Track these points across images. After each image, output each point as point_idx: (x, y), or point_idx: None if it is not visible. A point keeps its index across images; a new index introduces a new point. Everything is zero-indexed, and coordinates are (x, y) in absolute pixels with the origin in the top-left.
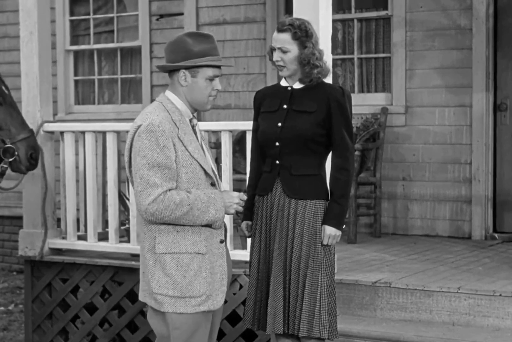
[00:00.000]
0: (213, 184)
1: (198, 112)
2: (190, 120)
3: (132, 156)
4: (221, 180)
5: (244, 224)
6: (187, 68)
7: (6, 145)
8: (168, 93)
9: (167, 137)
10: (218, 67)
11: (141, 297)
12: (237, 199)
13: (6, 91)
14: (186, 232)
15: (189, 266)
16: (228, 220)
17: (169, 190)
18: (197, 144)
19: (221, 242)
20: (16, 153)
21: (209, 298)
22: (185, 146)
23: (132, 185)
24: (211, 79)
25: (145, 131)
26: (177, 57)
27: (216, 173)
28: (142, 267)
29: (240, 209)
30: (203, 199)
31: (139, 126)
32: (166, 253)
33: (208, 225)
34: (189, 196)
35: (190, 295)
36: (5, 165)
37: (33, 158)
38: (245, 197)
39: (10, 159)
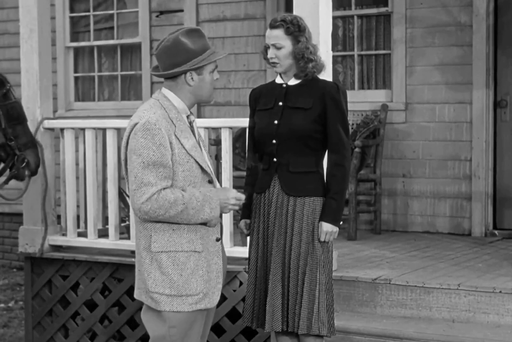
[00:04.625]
0: (210, 181)
1: (198, 109)
2: (187, 117)
3: (127, 155)
4: (220, 177)
5: (242, 223)
6: (193, 69)
7: (20, 153)
8: (165, 91)
9: (164, 136)
10: None
11: (137, 295)
12: (233, 200)
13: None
14: (182, 230)
15: (185, 264)
16: (228, 217)
17: (164, 188)
18: (194, 142)
19: (217, 240)
20: (25, 161)
21: (206, 296)
22: (182, 144)
23: (128, 183)
24: (213, 71)
25: (141, 130)
26: (180, 60)
27: (213, 170)
28: (138, 265)
29: (236, 208)
30: (198, 197)
31: (136, 124)
32: (162, 252)
33: (204, 223)
34: (184, 195)
35: (187, 294)
36: (15, 171)
37: (37, 167)
38: (243, 197)
39: (21, 166)
